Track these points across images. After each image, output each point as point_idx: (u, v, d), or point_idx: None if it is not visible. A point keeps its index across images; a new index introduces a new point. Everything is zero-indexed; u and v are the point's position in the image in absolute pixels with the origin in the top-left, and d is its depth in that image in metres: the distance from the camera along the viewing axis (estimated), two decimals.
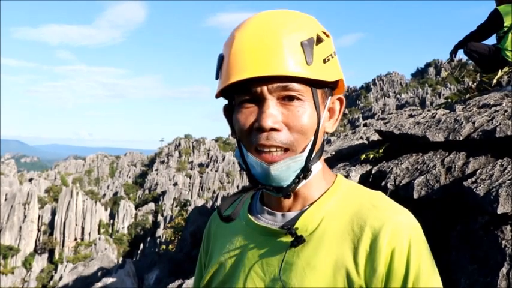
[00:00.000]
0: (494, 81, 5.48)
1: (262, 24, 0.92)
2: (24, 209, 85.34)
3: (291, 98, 0.90)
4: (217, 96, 0.98)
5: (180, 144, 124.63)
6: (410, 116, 5.23)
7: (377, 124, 5.31)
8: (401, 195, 3.40)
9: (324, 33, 0.96)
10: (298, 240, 0.92)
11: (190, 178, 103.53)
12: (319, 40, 0.92)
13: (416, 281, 0.86)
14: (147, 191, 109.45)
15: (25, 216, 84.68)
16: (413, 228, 0.91)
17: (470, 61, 6.61)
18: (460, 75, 8.38)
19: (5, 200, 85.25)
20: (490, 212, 2.65)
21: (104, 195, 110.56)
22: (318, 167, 0.98)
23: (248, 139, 0.93)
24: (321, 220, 0.95)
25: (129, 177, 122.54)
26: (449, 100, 6.33)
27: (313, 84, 0.92)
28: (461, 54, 6.25)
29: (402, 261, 0.86)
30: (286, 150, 0.91)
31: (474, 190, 2.81)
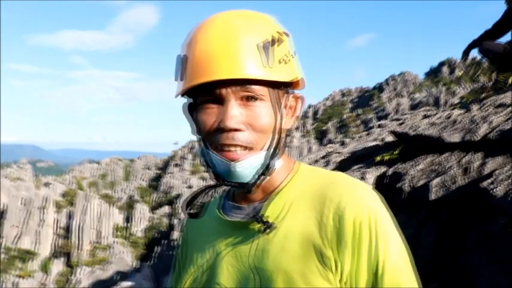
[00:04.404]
0: (510, 80, 5.42)
1: (221, 28, 0.97)
2: (41, 213, 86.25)
3: (251, 98, 0.96)
4: (177, 96, 1.02)
5: (193, 147, 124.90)
6: (425, 116, 5.20)
7: (391, 125, 5.29)
8: (418, 196, 3.38)
9: (281, 33, 1.00)
10: (268, 226, 0.96)
11: (204, 181, 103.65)
12: (275, 41, 0.97)
13: (384, 242, 0.91)
14: (161, 194, 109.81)
15: (42, 221, 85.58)
16: (372, 198, 0.96)
17: (485, 59, 6.55)
18: (475, 74, 8.30)
19: (23, 204, 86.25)
20: (509, 213, 2.63)
21: (119, 198, 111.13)
22: (280, 163, 1.03)
23: (211, 138, 0.98)
24: (288, 205, 1.00)
25: (144, 181, 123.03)
26: (465, 100, 6.28)
27: (271, 84, 0.97)
28: (475, 53, 6.18)
29: (366, 231, 0.91)
30: (247, 148, 0.96)
31: (492, 191, 2.79)
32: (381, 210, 0.95)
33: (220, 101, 0.96)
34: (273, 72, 0.95)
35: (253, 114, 0.96)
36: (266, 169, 0.99)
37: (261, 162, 0.98)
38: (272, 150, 0.99)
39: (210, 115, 0.97)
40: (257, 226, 0.99)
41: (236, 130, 0.94)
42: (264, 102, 0.97)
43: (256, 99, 0.96)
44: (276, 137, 0.99)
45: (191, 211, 1.07)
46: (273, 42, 0.96)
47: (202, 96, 0.98)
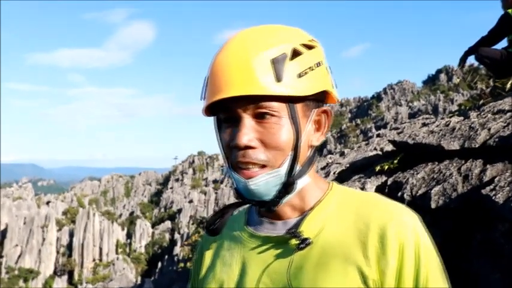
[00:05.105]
0: (508, 86, 5.43)
1: (237, 45, 0.95)
2: (43, 231, 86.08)
3: (266, 115, 0.93)
4: (207, 115, 1.02)
5: (193, 161, 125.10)
6: (424, 124, 5.20)
7: (390, 134, 5.29)
8: (419, 205, 3.37)
9: (306, 45, 0.97)
10: (305, 242, 0.94)
11: (205, 195, 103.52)
12: (295, 54, 0.94)
13: (427, 264, 0.91)
14: (162, 210, 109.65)
15: (44, 239, 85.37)
16: (414, 220, 0.96)
17: (482, 66, 6.56)
18: (473, 81, 8.32)
19: (24, 223, 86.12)
20: (510, 219, 2.61)
21: (120, 215, 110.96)
22: (306, 180, 1.00)
23: (230, 156, 0.97)
24: (324, 222, 0.98)
25: (145, 196, 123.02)
26: (463, 107, 6.28)
27: (289, 99, 0.94)
28: (472, 59, 6.20)
29: (411, 252, 0.91)
30: (263, 166, 0.94)
31: (493, 198, 2.78)
32: (423, 231, 0.95)
33: (235, 119, 0.94)
34: (289, 87, 0.92)
35: (268, 132, 0.93)
36: (287, 187, 0.96)
37: (279, 180, 0.95)
38: (291, 167, 0.95)
39: (228, 133, 0.96)
40: (293, 242, 0.96)
41: (249, 148, 0.92)
42: (280, 119, 0.93)
43: (270, 115, 0.93)
44: (296, 154, 0.96)
45: (211, 228, 1.04)
46: (293, 55, 0.93)
47: (222, 114, 0.97)
